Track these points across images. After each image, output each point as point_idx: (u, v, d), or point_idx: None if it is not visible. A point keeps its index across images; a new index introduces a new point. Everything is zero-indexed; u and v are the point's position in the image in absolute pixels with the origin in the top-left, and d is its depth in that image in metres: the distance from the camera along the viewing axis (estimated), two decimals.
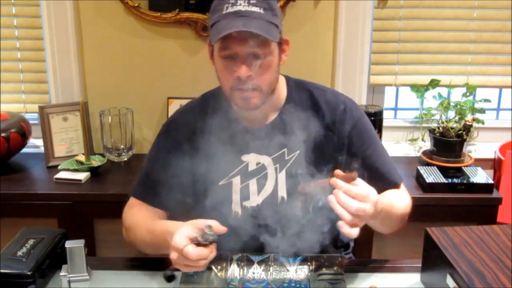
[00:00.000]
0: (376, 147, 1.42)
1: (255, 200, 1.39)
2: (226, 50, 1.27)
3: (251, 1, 1.24)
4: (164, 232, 1.22)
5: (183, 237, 1.12)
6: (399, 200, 1.36)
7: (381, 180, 1.38)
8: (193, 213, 1.44)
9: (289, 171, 1.38)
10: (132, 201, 1.46)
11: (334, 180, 1.13)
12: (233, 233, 1.31)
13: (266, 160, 1.39)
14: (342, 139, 1.39)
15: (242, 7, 1.23)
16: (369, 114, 1.95)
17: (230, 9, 1.24)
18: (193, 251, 1.11)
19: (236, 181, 1.39)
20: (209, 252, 1.14)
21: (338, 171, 1.15)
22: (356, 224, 1.11)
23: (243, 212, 1.39)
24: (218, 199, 1.39)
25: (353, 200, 1.10)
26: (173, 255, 1.13)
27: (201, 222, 1.15)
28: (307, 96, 1.42)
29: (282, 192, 1.39)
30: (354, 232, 1.11)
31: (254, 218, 1.38)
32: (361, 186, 1.14)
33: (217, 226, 1.16)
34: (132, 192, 1.47)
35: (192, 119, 1.43)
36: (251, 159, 1.39)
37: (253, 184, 1.39)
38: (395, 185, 1.42)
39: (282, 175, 1.39)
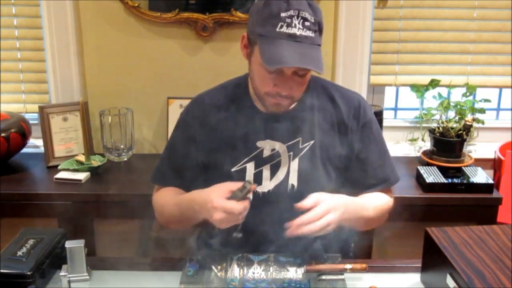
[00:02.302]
0: (381, 147, 1.48)
1: (266, 186, 1.42)
2: (273, 68, 1.26)
3: (306, 23, 1.24)
4: (190, 202, 1.30)
5: (221, 198, 1.22)
6: (373, 205, 1.43)
7: (375, 178, 1.46)
8: None
9: (302, 160, 1.41)
10: (156, 186, 1.54)
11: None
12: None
13: (281, 147, 1.41)
14: (355, 134, 1.44)
15: (297, 30, 1.23)
16: None
17: (285, 30, 1.23)
18: (237, 206, 1.21)
19: (250, 166, 1.41)
20: (248, 204, 1.23)
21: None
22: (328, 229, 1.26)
23: (254, 197, 1.41)
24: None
25: (315, 224, 1.23)
26: (218, 215, 1.22)
27: (227, 184, 1.26)
28: (322, 90, 1.46)
29: (293, 180, 1.41)
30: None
31: (263, 203, 1.41)
32: (318, 207, 1.25)
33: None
34: (152, 179, 1.53)
35: (211, 104, 1.45)
36: (266, 145, 1.41)
37: (266, 170, 1.41)
38: (390, 185, 1.50)
39: (295, 163, 1.41)
